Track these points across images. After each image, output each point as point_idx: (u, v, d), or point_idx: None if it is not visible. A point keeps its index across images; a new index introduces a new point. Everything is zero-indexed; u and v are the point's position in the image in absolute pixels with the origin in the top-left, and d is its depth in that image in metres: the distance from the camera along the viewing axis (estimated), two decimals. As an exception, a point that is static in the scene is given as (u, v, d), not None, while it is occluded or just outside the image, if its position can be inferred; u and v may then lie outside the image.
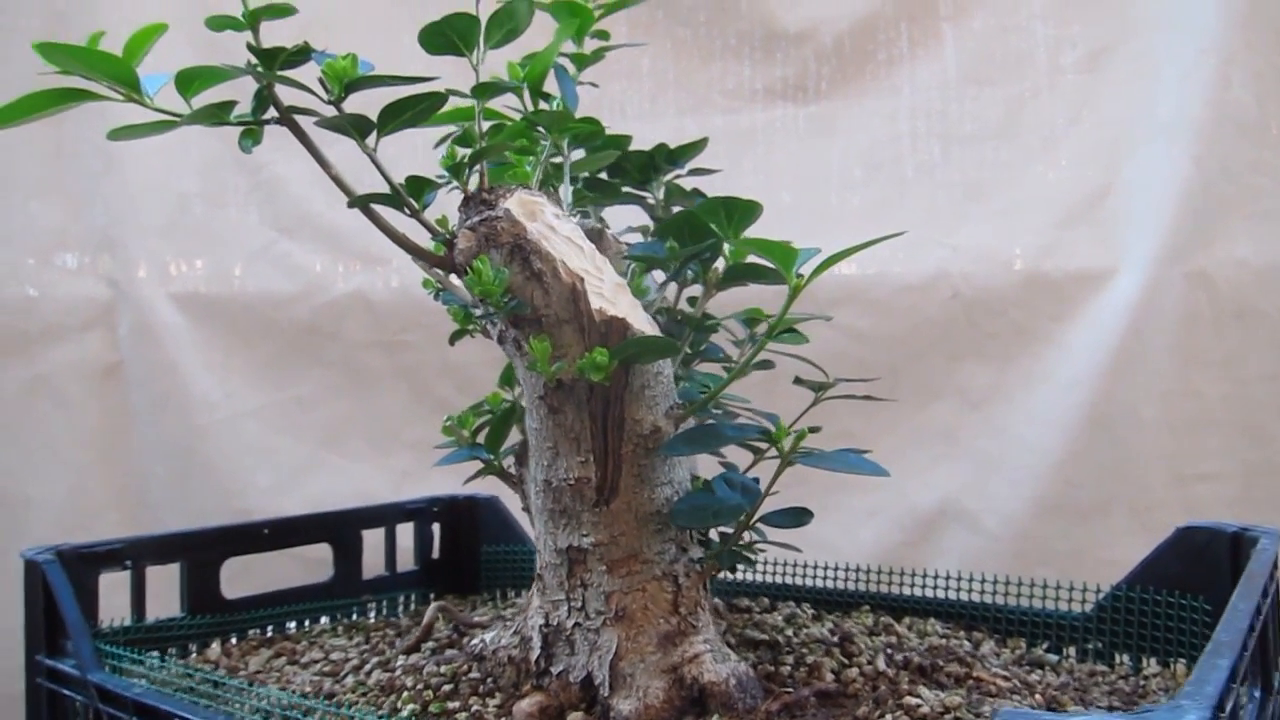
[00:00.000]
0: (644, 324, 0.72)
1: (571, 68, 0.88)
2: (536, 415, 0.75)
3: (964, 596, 1.05)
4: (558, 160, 0.85)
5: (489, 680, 0.83)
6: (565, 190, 0.84)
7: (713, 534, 0.81)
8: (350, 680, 0.90)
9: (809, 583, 1.13)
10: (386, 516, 1.29)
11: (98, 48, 0.65)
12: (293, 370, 1.65)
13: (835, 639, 0.87)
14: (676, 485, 0.75)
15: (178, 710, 0.78)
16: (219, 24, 0.71)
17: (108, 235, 1.61)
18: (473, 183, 0.77)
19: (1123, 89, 1.70)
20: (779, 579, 1.15)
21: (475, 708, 0.79)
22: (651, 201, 0.94)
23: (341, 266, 1.65)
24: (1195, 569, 0.91)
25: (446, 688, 0.84)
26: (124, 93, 0.67)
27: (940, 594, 1.06)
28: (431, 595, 1.29)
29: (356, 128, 0.73)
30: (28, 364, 1.59)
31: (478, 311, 0.75)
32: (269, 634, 1.15)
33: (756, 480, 0.76)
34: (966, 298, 1.66)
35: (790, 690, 0.77)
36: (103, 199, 1.61)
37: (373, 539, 1.27)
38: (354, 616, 1.23)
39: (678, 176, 0.93)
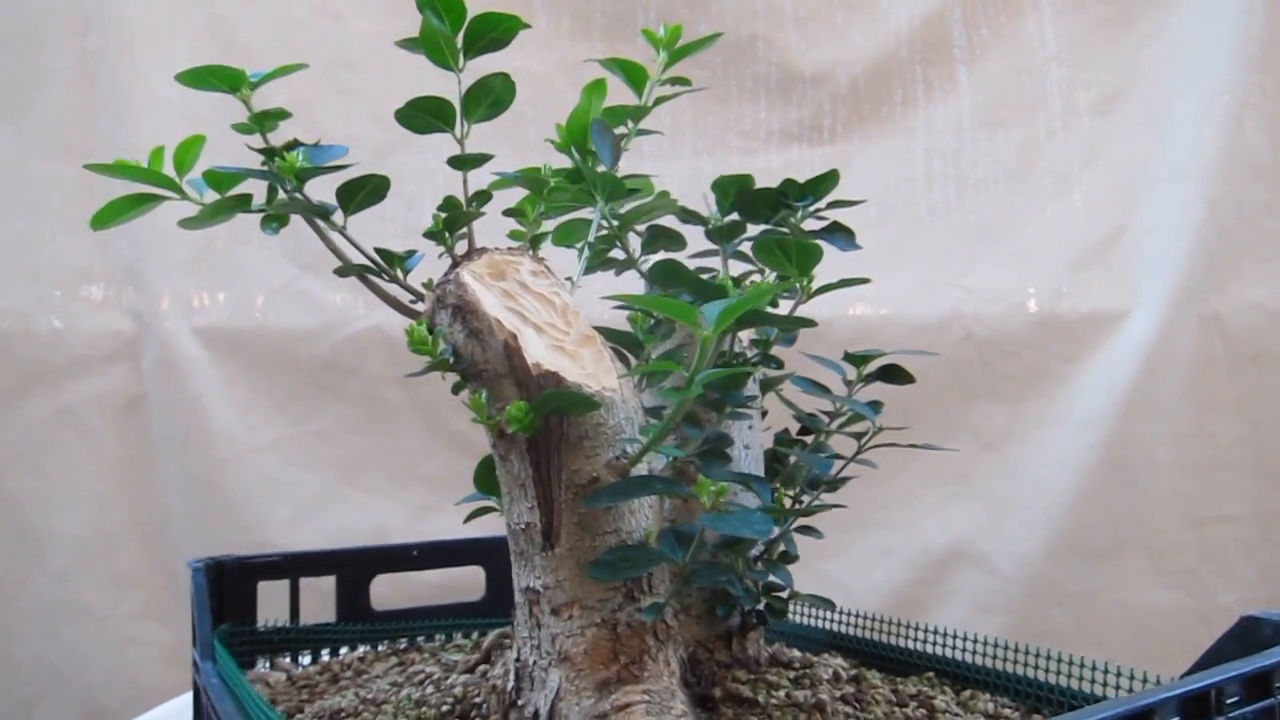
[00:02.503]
0: (599, 377, 0.73)
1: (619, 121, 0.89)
2: (495, 463, 0.78)
3: (1030, 673, 0.98)
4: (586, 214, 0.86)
5: (483, 706, 0.85)
6: (589, 241, 0.85)
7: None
8: (405, 693, 0.93)
9: (885, 639, 1.04)
10: None
11: (149, 165, 0.77)
12: (313, 404, 1.66)
13: (813, 703, 0.85)
14: (624, 535, 0.74)
15: (227, 703, 0.86)
16: (244, 129, 0.80)
17: (133, 269, 1.64)
18: (462, 247, 0.81)
19: (1137, 132, 1.71)
20: (861, 633, 1.07)
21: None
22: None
23: (361, 302, 1.67)
24: (1260, 663, 0.84)
25: (445, 708, 0.86)
26: (177, 195, 0.77)
27: (1008, 667, 0.99)
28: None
29: (315, 211, 0.79)
30: (53, 396, 1.61)
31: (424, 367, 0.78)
32: (417, 643, 1.19)
33: (699, 530, 0.75)
34: (980, 339, 1.67)
35: None
36: (129, 234, 1.64)
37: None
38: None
39: (817, 210, 0.89)
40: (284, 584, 1.16)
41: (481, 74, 0.78)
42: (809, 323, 0.79)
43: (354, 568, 1.19)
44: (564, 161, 0.87)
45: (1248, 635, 0.83)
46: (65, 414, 1.62)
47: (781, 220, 0.86)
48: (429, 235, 0.82)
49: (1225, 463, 1.65)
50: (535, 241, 0.88)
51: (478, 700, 0.87)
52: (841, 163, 1.75)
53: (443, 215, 0.81)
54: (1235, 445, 1.65)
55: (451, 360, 0.76)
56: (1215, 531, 1.65)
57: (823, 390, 0.86)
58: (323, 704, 0.91)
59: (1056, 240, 1.71)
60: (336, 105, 1.66)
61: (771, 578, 0.85)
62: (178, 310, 1.64)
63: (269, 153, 0.79)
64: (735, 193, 0.87)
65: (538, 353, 0.73)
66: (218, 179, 0.78)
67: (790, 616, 1.08)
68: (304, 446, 1.66)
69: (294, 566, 1.15)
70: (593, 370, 0.75)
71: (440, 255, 0.82)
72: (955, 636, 0.98)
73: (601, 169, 0.84)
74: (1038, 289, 1.69)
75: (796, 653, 0.97)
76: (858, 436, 0.90)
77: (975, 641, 0.97)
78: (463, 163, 0.80)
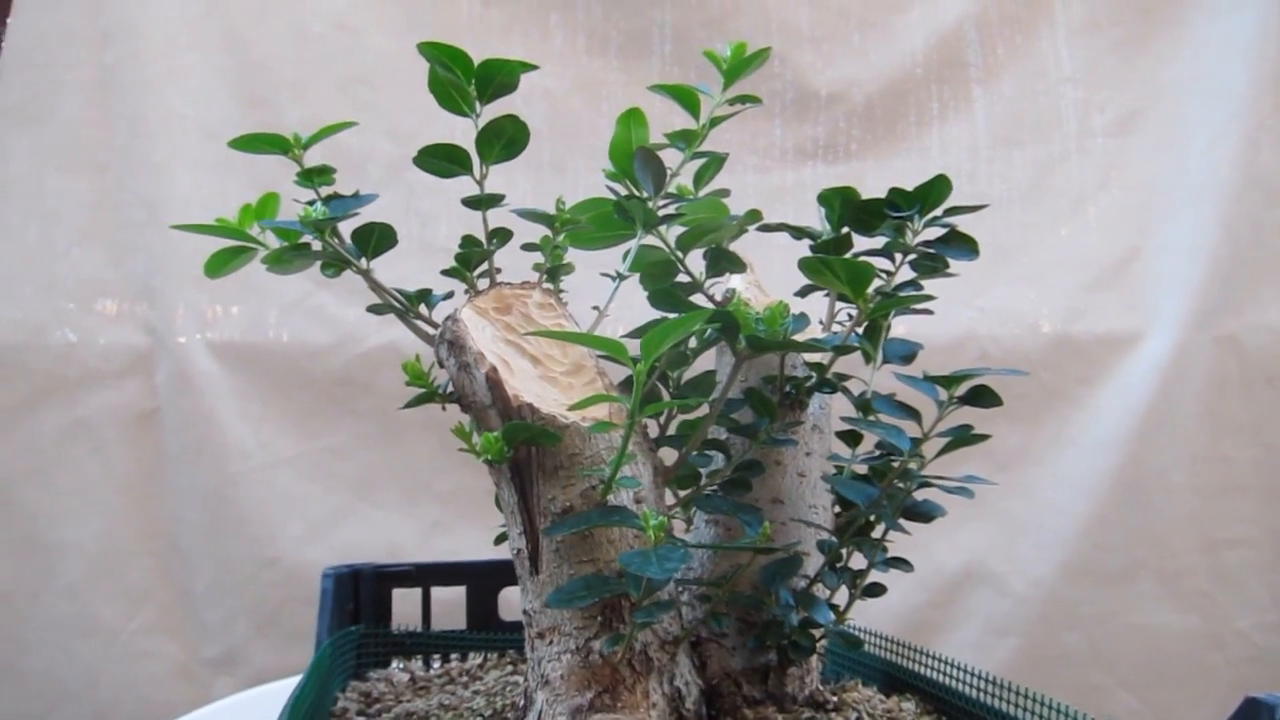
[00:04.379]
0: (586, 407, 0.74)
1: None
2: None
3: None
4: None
5: (509, 717, 0.87)
6: (620, 272, 0.85)
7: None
8: (475, 701, 0.96)
9: (969, 692, 0.96)
10: None
11: (239, 222, 0.84)
12: (326, 420, 1.66)
13: None
14: (601, 564, 0.75)
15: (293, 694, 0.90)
16: (300, 181, 0.85)
17: (148, 283, 1.64)
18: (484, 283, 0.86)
19: (1152, 153, 1.71)
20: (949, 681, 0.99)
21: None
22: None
23: (375, 318, 1.67)
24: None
25: (479, 717, 0.89)
26: (251, 244, 0.85)
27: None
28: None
29: (341, 258, 0.84)
30: (66, 409, 1.61)
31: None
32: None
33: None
34: (994, 359, 1.67)
35: None
36: (144, 248, 1.64)
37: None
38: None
39: (935, 219, 0.85)
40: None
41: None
42: (811, 347, 0.78)
43: (483, 579, 1.25)
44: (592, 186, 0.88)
45: (1252, 717, 0.80)
46: (78, 427, 1.61)
47: (895, 231, 0.83)
48: (448, 273, 0.86)
49: (1240, 486, 1.64)
50: (554, 273, 0.90)
51: (508, 716, 0.89)
52: (856, 181, 1.74)
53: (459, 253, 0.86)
54: (1250, 468, 1.64)
55: (447, 392, 0.80)
56: (1229, 555, 1.65)
57: (910, 414, 0.84)
58: (406, 706, 0.97)
59: (1071, 261, 1.70)
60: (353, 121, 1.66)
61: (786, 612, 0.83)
62: (191, 324, 1.64)
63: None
64: (840, 204, 0.85)
65: (520, 384, 0.75)
66: (284, 232, 0.84)
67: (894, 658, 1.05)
68: (317, 462, 1.66)
69: (426, 576, 1.24)
70: (560, 399, 0.76)
71: (465, 291, 0.85)
72: (1042, 703, 0.90)
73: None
74: (1052, 310, 1.68)
75: (859, 693, 0.95)
76: (883, 469, 0.88)
77: (1063, 714, 0.89)
78: (479, 203, 0.84)
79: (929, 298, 0.79)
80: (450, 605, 1.24)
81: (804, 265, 0.75)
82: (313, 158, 0.86)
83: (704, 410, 0.82)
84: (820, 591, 0.86)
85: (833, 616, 0.83)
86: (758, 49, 0.82)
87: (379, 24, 1.71)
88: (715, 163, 0.86)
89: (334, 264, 0.84)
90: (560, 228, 0.89)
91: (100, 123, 1.64)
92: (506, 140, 0.81)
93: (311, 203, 0.82)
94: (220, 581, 1.62)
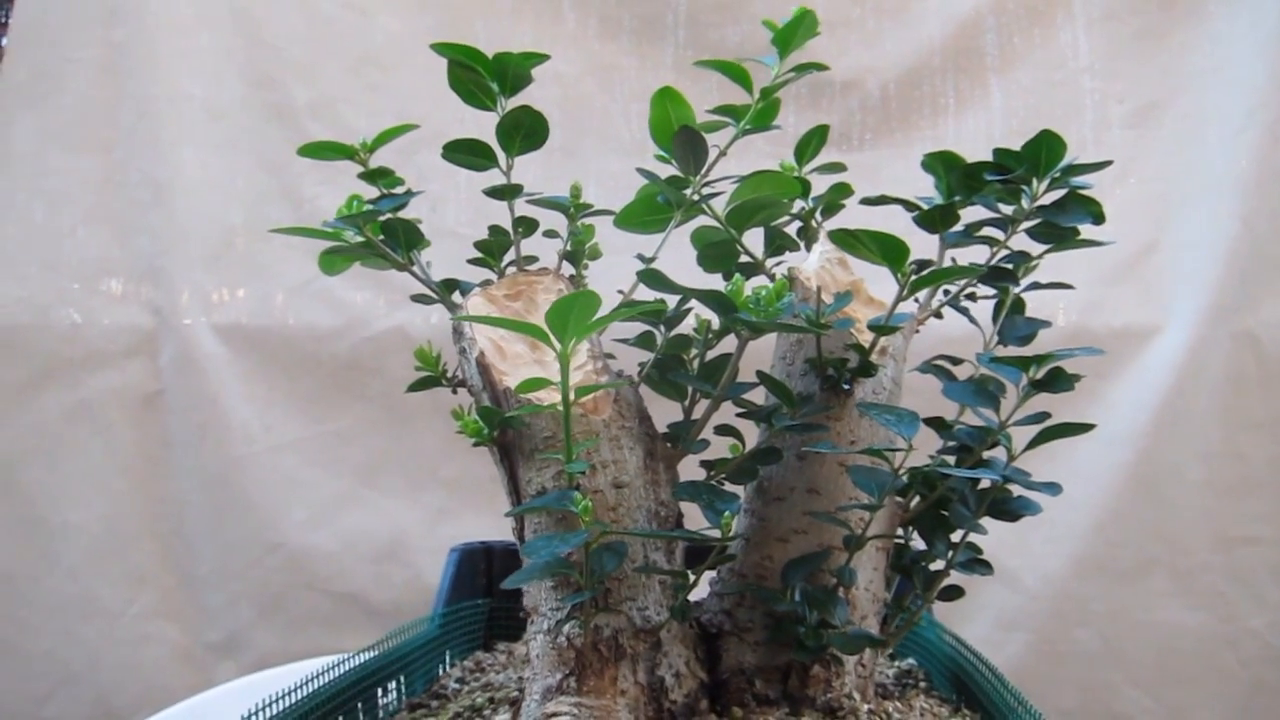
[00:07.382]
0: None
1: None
2: None
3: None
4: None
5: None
6: (641, 254, 0.85)
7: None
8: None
9: None
10: None
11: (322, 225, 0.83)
12: (332, 404, 1.65)
13: None
14: None
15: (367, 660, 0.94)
16: (366, 178, 0.87)
17: (153, 264, 1.63)
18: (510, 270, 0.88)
19: (1170, 146, 1.69)
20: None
21: (489, 713, 0.87)
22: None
23: (383, 301, 1.66)
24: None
25: (503, 694, 0.90)
26: (345, 243, 0.84)
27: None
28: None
29: (381, 254, 0.85)
30: (70, 390, 1.60)
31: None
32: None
33: (622, 546, 0.73)
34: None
35: None
36: (150, 229, 1.63)
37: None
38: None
39: (1054, 184, 0.82)
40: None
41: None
42: (801, 328, 0.76)
43: None
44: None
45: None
46: (82, 408, 1.61)
47: (1008, 197, 0.79)
48: (475, 263, 0.89)
49: (1256, 483, 1.62)
50: (575, 257, 0.91)
51: None
52: (870, 171, 1.74)
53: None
54: (1266, 465, 1.62)
55: (452, 376, 0.84)
56: (1244, 552, 1.63)
57: (987, 399, 0.80)
58: (494, 677, 0.99)
59: (1088, 254, 1.67)
60: (363, 102, 1.65)
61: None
62: (197, 306, 1.63)
63: (352, 217, 0.86)
64: (945, 170, 0.81)
65: (508, 368, 0.78)
66: (361, 230, 0.86)
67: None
68: (323, 446, 1.65)
69: None
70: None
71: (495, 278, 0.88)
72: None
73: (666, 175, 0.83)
74: (1068, 303, 1.66)
75: (900, 703, 0.89)
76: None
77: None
78: (502, 193, 0.85)
79: (972, 271, 0.76)
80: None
81: (833, 237, 0.74)
82: (320, 138, 0.85)
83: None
84: (866, 593, 0.81)
85: (848, 615, 0.80)
86: (801, 15, 0.80)
87: (389, 5, 1.69)
88: (819, 134, 0.85)
89: (387, 260, 0.86)
90: (576, 213, 0.90)
91: (107, 102, 1.63)
92: (526, 131, 0.82)
93: (373, 200, 0.84)
94: (223, 566, 1.61)
